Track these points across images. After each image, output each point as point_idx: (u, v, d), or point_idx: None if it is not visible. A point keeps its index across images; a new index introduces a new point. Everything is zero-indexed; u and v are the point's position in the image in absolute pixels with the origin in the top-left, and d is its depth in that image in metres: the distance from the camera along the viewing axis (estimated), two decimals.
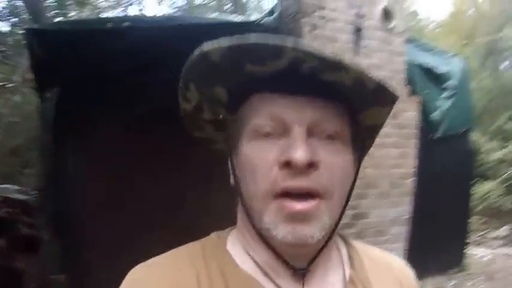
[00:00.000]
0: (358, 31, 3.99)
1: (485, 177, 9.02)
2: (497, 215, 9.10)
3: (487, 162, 9.05)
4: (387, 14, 4.18)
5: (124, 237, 3.70)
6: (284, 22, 3.79)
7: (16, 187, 5.48)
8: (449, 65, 6.07)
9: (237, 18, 5.08)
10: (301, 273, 0.71)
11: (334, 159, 0.67)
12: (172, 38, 3.00)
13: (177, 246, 0.77)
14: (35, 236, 4.20)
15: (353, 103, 0.71)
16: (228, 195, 0.83)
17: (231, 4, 15.04)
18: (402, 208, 4.63)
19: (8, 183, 5.73)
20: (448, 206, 5.72)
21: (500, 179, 8.62)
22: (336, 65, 0.62)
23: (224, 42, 0.63)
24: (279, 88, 0.67)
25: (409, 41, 5.01)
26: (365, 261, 0.81)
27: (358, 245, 0.86)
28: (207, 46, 0.64)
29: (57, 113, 3.65)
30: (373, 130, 0.81)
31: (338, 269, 0.78)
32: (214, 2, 15.49)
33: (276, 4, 4.02)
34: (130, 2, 13.60)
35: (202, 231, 0.83)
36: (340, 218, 0.72)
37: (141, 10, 14.16)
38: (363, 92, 0.68)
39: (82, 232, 3.85)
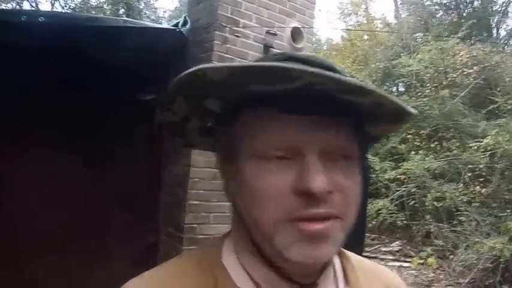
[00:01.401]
0: (267, 49, 4.10)
1: (377, 196, 9.54)
2: (389, 231, 9.67)
3: (380, 181, 9.57)
4: (296, 35, 4.33)
5: None
6: (196, 32, 3.81)
7: None
8: None
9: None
10: (310, 287, 0.70)
11: (348, 181, 0.65)
12: (92, 38, 2.92)
13: None
14: None
15: (365, 119, 0.69)
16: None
17: (124, 10, 14.86)
18: None
19: None
20: None
21: (391, 197, 9.14)
22: (358, 90, 0.58)
23: (226, 65, 0.59)
24: (285, 107, 0.63)
25: None
26: (359, 273, 0.81)
27: (351, 254, 0.85)
28: (204, 66, 0.60)
29: None
30: (375, 140, 0.81)
31: (332, 282, 0.77)
32: (109, 6, 15.13)
33: (186, 14, 4.03)
34: None
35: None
36: (350, 228, 0.70)
37: (36, 5, 13.39)
38: (380, 112, 0.65)
39: None
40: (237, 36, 3.86)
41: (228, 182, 0.72)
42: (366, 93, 0.58)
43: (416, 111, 0.68)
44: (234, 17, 3.86)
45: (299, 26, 4.34)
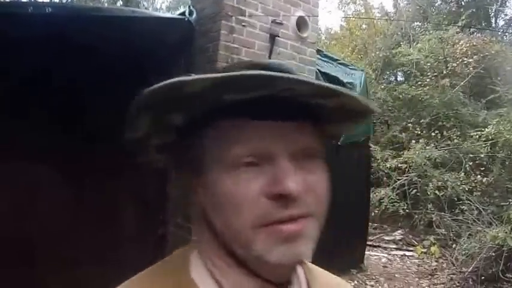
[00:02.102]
0: (273, 38, 4.08)
1: (378, 184, 9.55)
2: (391, 220, 9.71)
3: (381, 170, 9.58)
4: (301, 24, 4.32)
5: None
6: (202, 22, 3.79)
7: None
8: (352, 77, 6.43)
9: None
10: (286, 286, 0.71)
11: (318, 180, 0.67)
12: (99, 29, 2.90)
13: None
14: None
15: (326, 120, 0.72)
16: None
17: (122, 2, 14.76)
18: None
19: None
20: (349, 209, 6.02)
21: (393, 186, 9.15)
22: (330, 92, 0.62)
23: (202, 76, 0.58)
24: (256, 114, 0.64)
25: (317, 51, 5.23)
26: (317, 280, 0.82)
27: (312, 266, 0.86)
28: (183, 78, 0.58)
29: None
30: (337, 138, 0.86)
31: (296, 284, 0.77)
32: None
33: (190, 4, 4.01)
34: None
35: None
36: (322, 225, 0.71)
37: None
38: (343, 112, 0.69)
39: None
40: (243, 25, 3.84)
41: (194, 195, 0.71)
42: (339, 95, 0.62)
43: (379, 109, 0.70)
44: (240, 6, 3.84)
45: (304, 15, 4.32)
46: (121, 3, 14.79)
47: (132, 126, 0.68)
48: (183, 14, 3.80)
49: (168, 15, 4.40)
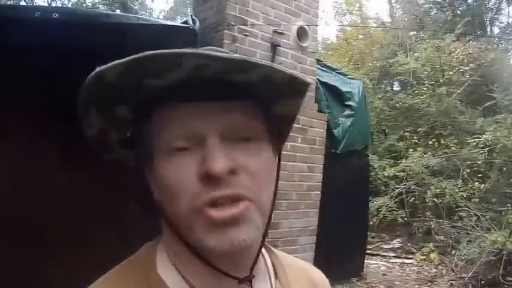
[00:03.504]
0: (274, 47, 4.14)
1: (376, 193, 9.59)
2: (389, 229, 9.74)
3: (379, 179, 9.63)
4: (302, 34, 4.38)
5: None
6: (204, 31, 3.84)
7: None
8: (350, 86, 6.50)
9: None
10: (247, 280, 0.70)
11: (254, 161, 0.65)
12: (106, 35, 2.93)
13: None
14: None
15: (264, 97, 0.69)
16: None
17: (120, 10, 14.89)
18: (309, 219, 4.85)
19: None
20: (348, 217, 6.07)
21: (391, 195, 9.19)
22: (243, 65, 0.59)
23: (114, 62, 0.57)
24: (182, 97, 0.63)
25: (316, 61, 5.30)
26: (287, 270, 0.82)
27: (278, 252, 0.86)
28: (101, 67, 0.58)
29: None
30: (289, 120, 0.79)
31: (265, 276, 0.78)
32: (104, 7, 15.16)
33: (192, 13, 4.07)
34: None
35: None
36: (270, 217, 0.70)
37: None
38: (272, 87, 0.65)
39: None
40: (245, 35, 3.90)
41: (152, 187, 0.69)
42: (252, 66, 0.59)
43: (311, 80, 0.69)
44: (242, 16, 3.90)
45: (304, 25, 4.39)
46: (119, 11, 14.91)
47: (85, 123, 0.67)
48: (185, 23, 3.85)
49: (174, 23, 4.43)
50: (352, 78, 7.06)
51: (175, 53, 0.56)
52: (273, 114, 0.72)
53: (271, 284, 0.77)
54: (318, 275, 0.91)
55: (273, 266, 0.81)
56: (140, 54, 0.55)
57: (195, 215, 0.62)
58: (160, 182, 0.65)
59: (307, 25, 4.43)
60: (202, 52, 0.57)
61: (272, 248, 0.84)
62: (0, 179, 3.40)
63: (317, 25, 4.65)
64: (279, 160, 0.74)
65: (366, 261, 7.16)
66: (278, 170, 0.73)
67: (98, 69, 0.58)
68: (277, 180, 0.72)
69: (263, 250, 0.78)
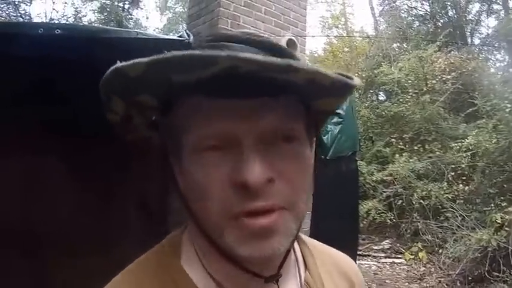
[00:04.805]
0: None
1: (365, 197, 9.81)
2: (379, 230, 9.99)
3: (367, 183, 9.86)
4: (291, 46, 4.64)
5: None
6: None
7: None
8: None
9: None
10: (274, 279, 0.68)
11: (292, 164, 0.60)
12: (106, 50, 2.97)
13: None
14: None
15: (306, 95, 0.63)
16: None
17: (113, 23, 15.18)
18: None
19: None
20: (340, 220, 6.27)
21: (379, 198, 9.47)
22: (287, 70, 0.52)
23: (138, 60, 0.53)
24: (215, 91, 0.57)
25: None
26: (317, 260, 0.79)
27: (308, 239, 0.84)
28: (123, 64, 0.54)
29: None
30: (327, 114, 0.75)
31: (293, 269, 0.75)
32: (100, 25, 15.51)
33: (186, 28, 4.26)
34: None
35: None
36: (304, 215, 0.67)
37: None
38: (316, 88, 0.58)
39: None
40: None
41: (177, 177, 0.66)
42: (293, 71, 0.53)
43: (360, 81, 0.65)
44: (234, 29, 4.14)
45: (293, 36, 4.66)
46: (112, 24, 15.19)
47: (108, 109, 0.64)
48: (180, 37, 4.04)
49: (170, 37, 4.64)
50: None
51: (200, 56, 0.52)
52: (314, 110, 0.67)
53: (300, 277, 0.75)
54: (349, 265, 0.89)
55: (303, 256, 0.79)
56: (159, 57, 0.52)
57: (227, 222, 0.59)
58: (188, 177, 0.62)
59: (296, 36, 4.69)
60: (240, 56, 0.51)
61: (302, 236, 0.81)
62: (1, 190, 3.46)
63: (306, 36, 4.91)
64: (316, 154, 0.70)
65: (357, 261, 7.35)
66: (316, 162, 0.68)
67: (119, 64, 0.54)
68: (314, 172, 0.67)
69: None
